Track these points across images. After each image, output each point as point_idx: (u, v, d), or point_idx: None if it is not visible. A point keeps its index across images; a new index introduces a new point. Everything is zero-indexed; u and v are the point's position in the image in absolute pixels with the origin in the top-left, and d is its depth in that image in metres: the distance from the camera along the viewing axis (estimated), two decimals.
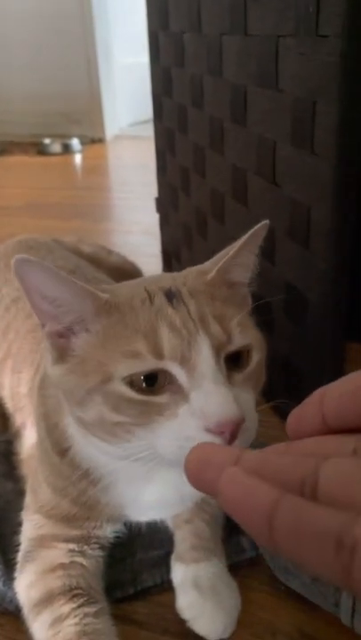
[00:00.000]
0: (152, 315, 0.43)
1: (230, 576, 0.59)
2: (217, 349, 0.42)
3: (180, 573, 0.59)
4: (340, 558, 0.19)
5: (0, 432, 0.79)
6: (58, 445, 0.57)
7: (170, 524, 0.64)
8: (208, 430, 0.39)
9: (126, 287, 0.50)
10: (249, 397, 0.43)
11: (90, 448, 0.53)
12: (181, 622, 0.57)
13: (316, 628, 0.57)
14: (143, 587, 0.61)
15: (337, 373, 0.74)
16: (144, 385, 0.42)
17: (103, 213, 2.02)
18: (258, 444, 0.73)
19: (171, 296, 0.45)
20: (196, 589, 0.56)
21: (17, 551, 0.60)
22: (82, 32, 2.98)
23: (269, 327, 0.84)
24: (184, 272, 0.52)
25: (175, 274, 0.52)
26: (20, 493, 0.68)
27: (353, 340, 1.08)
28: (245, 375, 0.44)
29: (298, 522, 0.20)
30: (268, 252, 0.80)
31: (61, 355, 0.47)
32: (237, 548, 0.64)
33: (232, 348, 0.43)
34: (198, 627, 0.56)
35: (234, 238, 0.97)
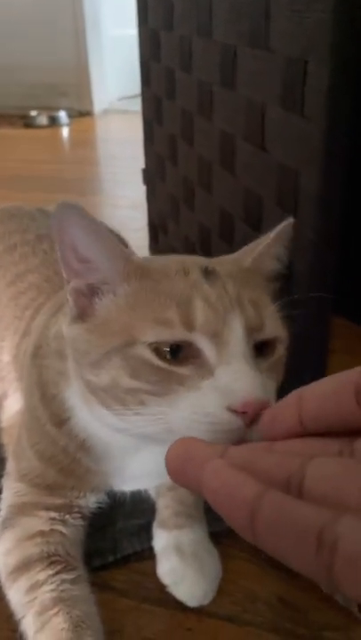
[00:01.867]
0: (187, 286, 0.41)
1: (212, 543, 0.59)
2: (249, 332, 0.40)
3: (162, 540, 0.58)
4: (320, 555, 0.19)
5: None
6: (56, 417, 0.55)
7: (152, 493, 0.64)
8: (230, 408, 0.37)
9: (158, 259, 0.49)
10: (273, 386, 0.42)
11: (90, 419, 0.51)
12: (161, 590, 0.56)
13: (295, 596, 0.57)
14: (123, 555, 0.60)
15: (323, 347, 0.74)
16: (168, 355, 0.40)
17: (90, 187, 1.99)
18: None
19: (207, 272, 0.43)
20: (178, 555, 0.56)
21: None
22: (70, 2, 2.89)
23: None
24: (216, 259, 0.50)
25: (208, 259, 0.50)
26: (0, 461, 0.67)
27: (340, 316, 1.08)
28: (270, 364, 0.42)
29: (280, 517, 0.20)
30: (254, 221, 0.79)
31: (82, 313, 0.45)
32: (218, 516, 0.63)
33: (263, 336, 0.42)
34: (179, 592, 0.55)
35: (221, 208, 0.95)
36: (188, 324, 0.39)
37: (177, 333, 0.39)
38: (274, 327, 0.42)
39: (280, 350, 0.43)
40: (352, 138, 0.59)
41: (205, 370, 0.39)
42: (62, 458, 0.56)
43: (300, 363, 0.75)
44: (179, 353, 0.40)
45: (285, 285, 0.72)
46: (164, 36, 1.04)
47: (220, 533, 0.62)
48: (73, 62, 3.01)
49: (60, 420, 0.55)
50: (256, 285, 0.45)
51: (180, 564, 0.56)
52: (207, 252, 0.97)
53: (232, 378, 0.38)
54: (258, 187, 0.76)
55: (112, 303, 0.44)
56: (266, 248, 0.49)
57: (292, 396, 0.26)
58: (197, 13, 0.85)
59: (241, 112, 0.77)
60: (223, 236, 0.91)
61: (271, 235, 0.49)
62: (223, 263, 0.47)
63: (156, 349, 0.40)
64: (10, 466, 0.62)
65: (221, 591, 0.57)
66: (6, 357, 0.72)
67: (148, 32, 1.13)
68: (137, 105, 3.24)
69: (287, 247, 0.52)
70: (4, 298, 0.76)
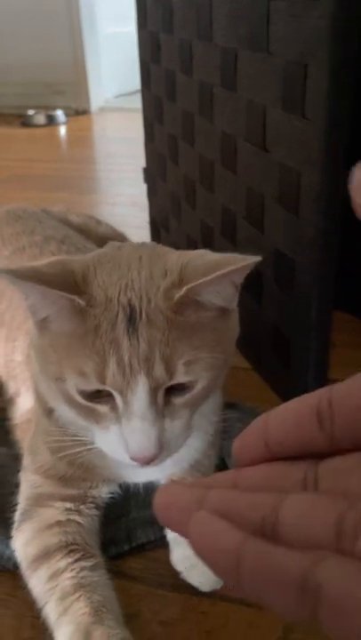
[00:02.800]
0: (107, 342, 0.46)
1: None
2: (155, 387, 0.46)
3: None
4: (304, 602, 0.19)
5: None
6: (43, 404, 0.60)
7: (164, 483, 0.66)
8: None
9: (112, 275, 0.50)
10: (180, 422, 0.49)
11: (65, 413, 0.56)
12: (175, 576, 0.59)
13: None
14: (137, 543, 0.62)
15: (324, 340, 0.76)
16: (88, 396, 0.48)
17: (89, 185, 2.00)
18: (237, 400, 0.75)
19: (132, 320, 0.47)
20: None
21: (14, 511, 0.62)
22: (65, 0, 2.90)
23: (258, 295, 0.85)
24: (173, 260, 0.50)
25: (166, 260, 0.51)
26: (15, 458, 0.69)
27: (341, 310, 1.10)
28: (185, 399, 0.49)
29: (261, 568, 0.20)
30: (257, 219, 0.81)
31: (41, 328, 0.50)
32: None
33: (173, 382, 0.47)
34: (192, 578, 0.58)
35: (223, 207, 0.97)
36: (101, 379, 0.46)
37: (92, 385, 0.47)
38: (186, 375, 0.47)
39: (200, 385, 0.49)
40: (351, 137, 0.61)
41: (116, 414, 0.48)
42: (67, 451, 0.58)
43: (302, 355, 0.78)
44: (99, 392, 0.48)
45: (289, 279, 0.74)
46: (163, 39, 1.06)
47: None
48: (69, 60, 3.02)
49: (46, 408, 0.59)
50: (181, 326, 0.47)
51: (192, 552, 0.58)
52: (209, 249, 1.00)
53: (129, 433, 0.47)
54: (259, 186, 0.78)
55: (54, 335, 0.49)
56: (206, 283, 0.46)
57: (259, 421, 0.26)
58: (197, 18, 0.87)
59: (242, 113, 0.79)
60: (225, 234, 0.93)
61: (224, 270, 0.46)
62: (159, 290, 0.47)
63: (80, 390, 0.48)
64: (26, 460, 0.64)
65: None
66: (19, 357, 0.74)
67: (148, 34, 1.14)
68: (133, 102, 3.24)
69: (237, 288, 0.50)
70: (16, 299, 0.78)
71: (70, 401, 0.50)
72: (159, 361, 0.46)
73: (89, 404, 0.48)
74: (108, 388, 0.46)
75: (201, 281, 0.46)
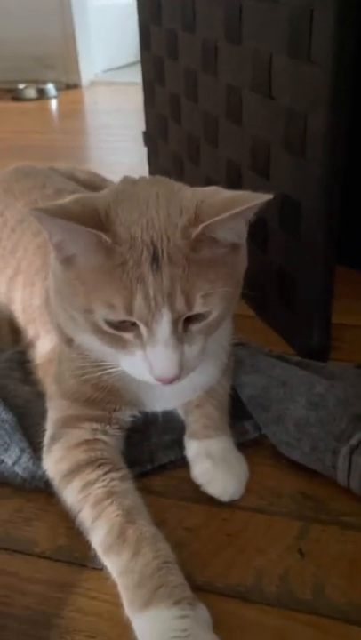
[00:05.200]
0: (134, 278, 0.50)
1: (238, 451, 0.66)
2: (176, 318, 0.51)
3: (193, 448, 0.65)
4: None
5: (12, 345, 0.83)
6: (62, 334, 0.65)
7: (181, 412, 0.70)
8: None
9: (132, 213, 0.53)
10: (196, 347, 0.54)
11: (87, 341, 0.60)
12: (196, 490, 0.63)
13: (316, 490, 0.64)
14: (160, 463, 0.67)
15: (329, 281, 0.80)
16: (116, 324, 0.52)
17: (85, 155, 2.02)
18: (245, 341, 0.79)
19: (155, 258, 0.51)
20: (210, 458, 0.63)
21: (42, 436, 0.66)
22: None
23: (263, 242, 0.89)
24: (188, 197, 0.54)
25: (181, 195, 0.54)
26: (38, 395, 0.73)
27: (341, 264, 1.14)
28: (201, 326, 0.54)
29: None
30: (263, 167, 0.84)
31: (67, 263, 0.54)
32: (242, 430, 0.70)
33: (192, 313, 0.52)
34: (212, 489, 0.62)
35: (228, 160, 1.00)
36: (129, 312, 0.51)
37: (120, 316, 0.51)
38: (203, 306, 0.52)
39: (214, 314, 0.54)
40: (356, 76, 0.65)
41: (141, 341, 0.52)
42: (90, 376, 0.62)
43: (308, 296, 0.82)
44: (124, 322, 0.52)
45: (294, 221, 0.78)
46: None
47: (245, 444, 0.69)
48: (59, 34, 3.00)
49: (66, 337, 0.64)
50: (198, 262, 0.51)
51: (211, 466, 0.63)
52: None
53: (154, 358, 0.52)
54: (265, 134, 0.81)
55: (81, 269, 0.53)
56: (222, 220, 0.50)
57: None
58: None
59: (247, 64, 0.82)
60: (231, 188, 0.96)
61: (234, 208, 0.49)
62: (177, 228, 0.51)
63: (107, 320, 0.52)
64: (51, 389, 0.68)
65: (249, 490, 0.64)
66: (37, 301, 0.77)
67: None
68: (124, 76, 3.22)
69: (249, 222, 0.54)
70: (32, 247, 0.81)
71: (97, 330, 0.54)
72: (180, 295, 0.51)
73: (115, 332, 0.53)
74: (134, 319, 0.51)
75: (217, 218, 0.50)
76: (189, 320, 0.53)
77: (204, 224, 0.50)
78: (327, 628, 0.51)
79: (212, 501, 0.63)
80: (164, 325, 0.51)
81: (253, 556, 0.57)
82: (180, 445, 0.68)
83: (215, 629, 0.49)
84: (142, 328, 0.52)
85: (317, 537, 0.59)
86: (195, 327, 0.54)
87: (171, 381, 0.53)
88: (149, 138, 1.37)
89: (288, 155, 0.76)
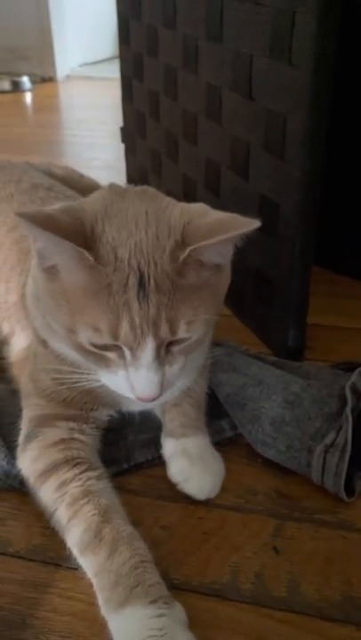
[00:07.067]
0: (120, 303, 0.50)
1: (215, 449, 0.66)
2: (159, 345, 0.52)
3: (170, 446, 0.65)
4: None
5: None
6: (37, 336, 0.65)
7: (158, 411, 0.70)
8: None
9: (120, 232, 0.52)
10: (177, 366, 0.55)
11: (64, 349, 0.60)
12: (172, 489, 0.63)
13: (290, 489, 0.65)
14: (136, 462, 0.67)
15: (306, 281, 0.81)
16: (100, 345, 0.52)
17: (61, 150, 2.00)
18: (222, 340, 0.79)
19: (142, 284, 0.50)
20: (186, 457, 0.63)
21: (17, 435, 0.65)
22: None
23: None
24: (176, 216, 0.53)
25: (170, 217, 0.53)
26: (12, 393, 0.72)
27: (314, 264, 1.16)
28: (182, 348, 0.54)
29: None
30: (242, 167, 0.85)
31: (48, 272, 0.53)
32: (219, 428, 0.70)
33: (174, 339, 0.53)
34: (188, 488, 0.62)
35: (207, 159, 1.00)
36: (115, 336, 0.51)
37: (105, 339, 0.51)
38: (186, 332, 0.52)
39: (194, 337, 0.54)
40: (335, 81, 0.66)
41: (124, 362, 0.53)
42: (67, 378, 0.61)
43: (284, 296, 0.82)
44: (107, 344, 0.52)
45: (273, 224, 0.79)
46: None
47: (221, 442, 0.69)
48: (34, 25, 2.96)
49: (41, 339, 0.64)
50: (183, 287, 0.51)
51: (188, 464, 0.63)
52: (192, 202, 1.03)
53: (136, 380, 0.52)
54: (245, 134, 0.82)
55: (65, 285, 0.52)
56: (210, 245, 0.49)
57: None
58: None
59: (228, 64, 0.82)
60: (209, 186, 0.97)
61: (227, 235, 0.49)
62: (165, 252, 0.50)
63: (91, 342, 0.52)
64: (27, 387, 0.67)
65: (225, 488, 0.64)
66: (13, 297, 0.76)
67: None
68: (100, 71, 3.19)
69: (239, 247, 0.53)
70: (8, 242, 0.80)
71: (80, 349, 0.54)
72: (165, 323, 0.51)
73: (98, 351, 0.53)
74: (119, 344, 0.51)
75: (204, 243, 0.49)
76: (171, 343, 0.53)
77: (191, 247, 0.49)
78: (302, 624, 0.51)
79: (188, 500, 0.63)
80: (147, 352, 0.51)
81: (229, 553, 0.57)
82: (156, 444, 0.67)
83: (191, 627, 0.49)
84: (126, 352, 0.52)
85: (292, 534, 0.59)
86: (176, 349, 0.54)
87: (152, 400, 0.54)
88: (127, 134, 1.36)
89: (267, 156, 0.77)
